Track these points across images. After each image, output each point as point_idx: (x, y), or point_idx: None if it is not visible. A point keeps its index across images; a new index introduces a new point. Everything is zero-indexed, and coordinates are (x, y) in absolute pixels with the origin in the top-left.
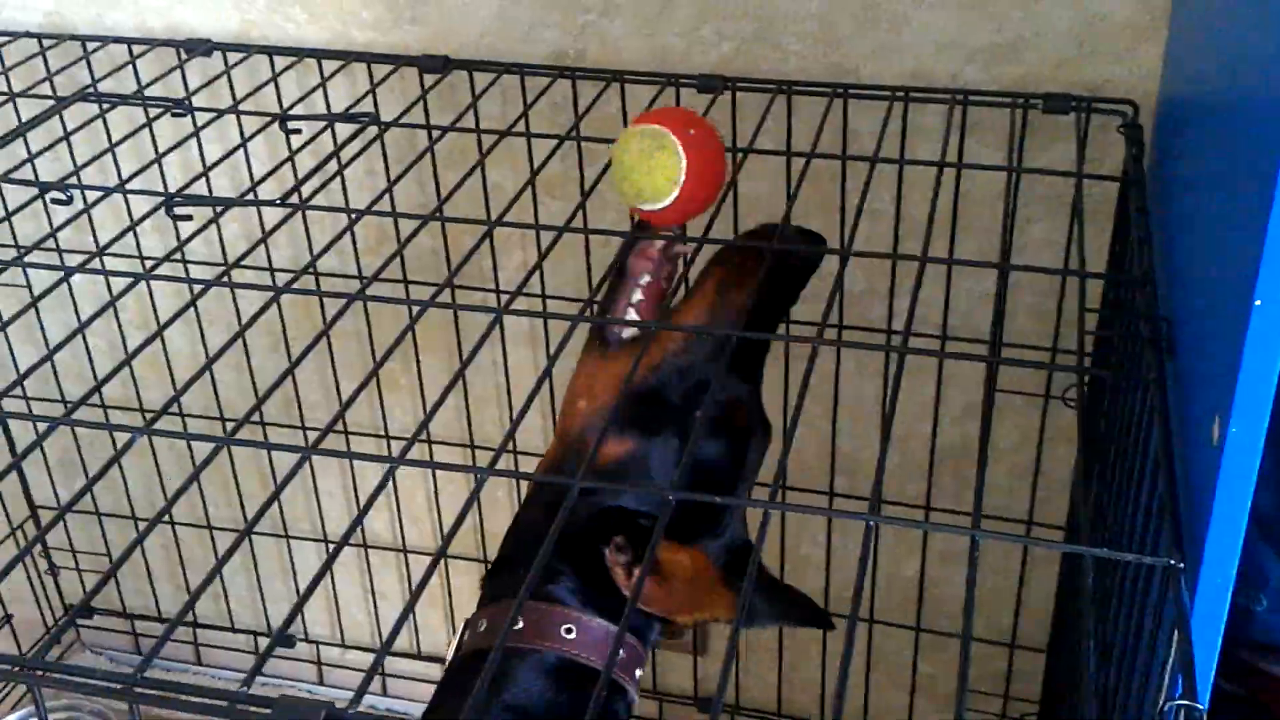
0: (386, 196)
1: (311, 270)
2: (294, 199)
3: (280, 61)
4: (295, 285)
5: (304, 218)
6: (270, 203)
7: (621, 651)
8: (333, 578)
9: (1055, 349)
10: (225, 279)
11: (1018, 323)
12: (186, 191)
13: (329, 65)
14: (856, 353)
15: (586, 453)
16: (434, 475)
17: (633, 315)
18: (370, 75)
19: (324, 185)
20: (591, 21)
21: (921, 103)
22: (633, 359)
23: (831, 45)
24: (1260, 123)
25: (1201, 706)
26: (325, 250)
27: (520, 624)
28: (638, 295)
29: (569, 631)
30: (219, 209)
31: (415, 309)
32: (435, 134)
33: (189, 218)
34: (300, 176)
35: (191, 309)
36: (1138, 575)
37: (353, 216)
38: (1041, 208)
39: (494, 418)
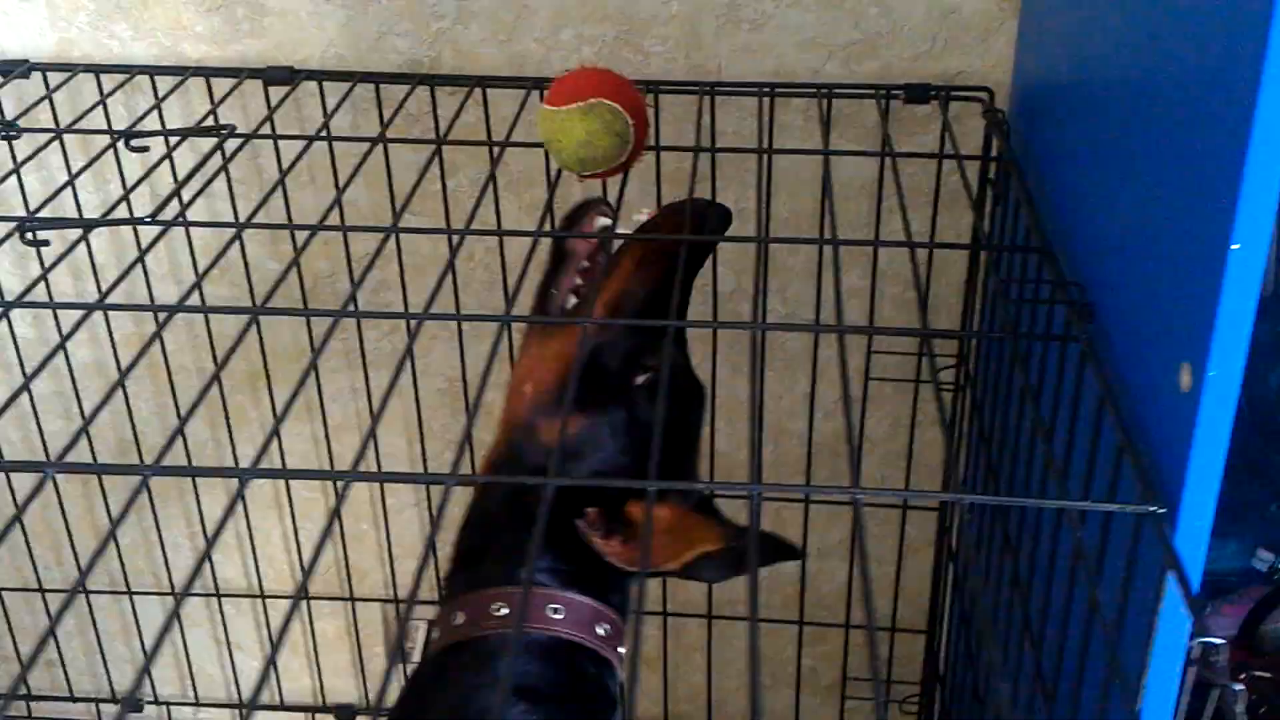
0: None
1: (151, 307)
2: (163, 216)
3: (109, 81)
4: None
5: (139, 248)
6: (142, 220)
7: (608, 628)
8: (183, 631)
9: (925, 331)
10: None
11: (884, 314)
12: None
13: (164, 83)
14: (731, 355)
15: (537, 436)
16: (293, 514)
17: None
18: (210, 92)
19: (162, 205)
20: (445, 29)
21: (786, 97)
22: (571, 336)
23: (693, 46)
24: (1212, 92)
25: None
26: (200, 278)
27: (505, 610)
28: (583, 264)
29: (556, 611)
30: (85, 230)
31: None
32: (293, 147)
33: (47, 243)
34: (163, 196)
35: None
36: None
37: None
38: (904, 200)
39: (353, 447)
